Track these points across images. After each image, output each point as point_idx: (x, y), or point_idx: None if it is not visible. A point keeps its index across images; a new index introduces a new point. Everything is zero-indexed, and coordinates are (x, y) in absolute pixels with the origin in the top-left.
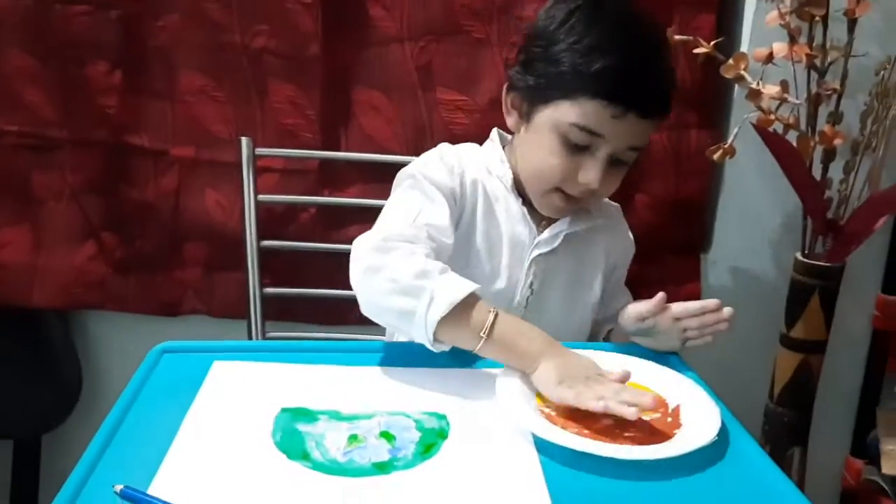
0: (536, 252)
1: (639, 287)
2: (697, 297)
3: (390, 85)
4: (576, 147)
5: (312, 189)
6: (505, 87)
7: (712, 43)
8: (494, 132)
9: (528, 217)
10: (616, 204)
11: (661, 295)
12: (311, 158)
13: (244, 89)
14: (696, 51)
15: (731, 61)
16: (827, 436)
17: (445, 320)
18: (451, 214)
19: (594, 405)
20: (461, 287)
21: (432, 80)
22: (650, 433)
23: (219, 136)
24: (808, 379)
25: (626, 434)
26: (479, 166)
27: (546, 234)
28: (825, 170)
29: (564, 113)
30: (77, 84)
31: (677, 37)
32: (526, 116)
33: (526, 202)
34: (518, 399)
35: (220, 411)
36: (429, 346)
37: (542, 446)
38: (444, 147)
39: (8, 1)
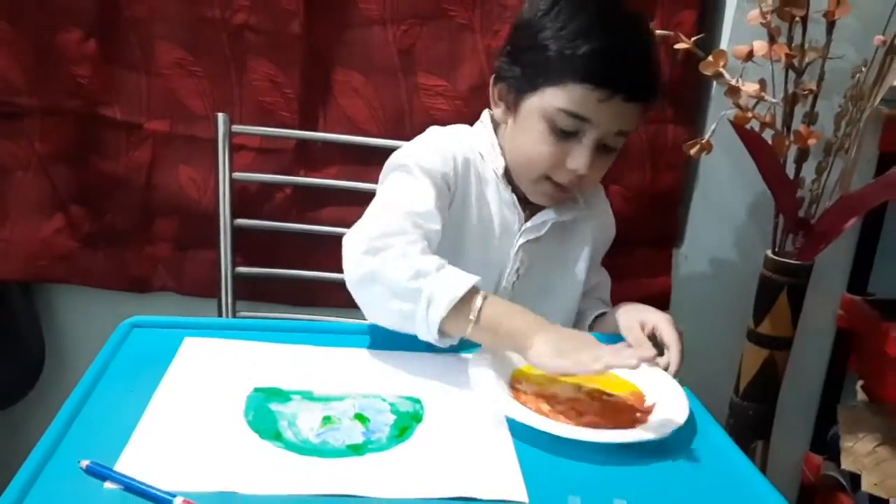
0: (524, 239)
1: (613, 279)
2: (668, 291)
3: (371, 67)
4: (564, 133)
5: (288, 168)
6: (492, 78)
7: (693, 39)
8: (485, 114)
9: (517, 204)
10: (600, 186)
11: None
12: (288, 137)
13: (223, 65)
14: (676, 46)
15: (710, 58)
16: (788, 431)
17: (446, 316)
18: (439, 198)
19: (594, 367)
20: (459, 284)
21: (414, 64)
22: (618, 414)
23: (195, 112)
24: (773, 375)
25: (593, 416)
26: (472, 149)
27: (533, 221)
28: (798, 169)
29: (551, 99)
30: (49, 51)
31: (658, 31)
32: (514, 107)
33: (515, 189)
34: (491, 382)
35: (191, 388)
36: (435, 343)
37: (517, 430)
38: (434, 131)
39: None
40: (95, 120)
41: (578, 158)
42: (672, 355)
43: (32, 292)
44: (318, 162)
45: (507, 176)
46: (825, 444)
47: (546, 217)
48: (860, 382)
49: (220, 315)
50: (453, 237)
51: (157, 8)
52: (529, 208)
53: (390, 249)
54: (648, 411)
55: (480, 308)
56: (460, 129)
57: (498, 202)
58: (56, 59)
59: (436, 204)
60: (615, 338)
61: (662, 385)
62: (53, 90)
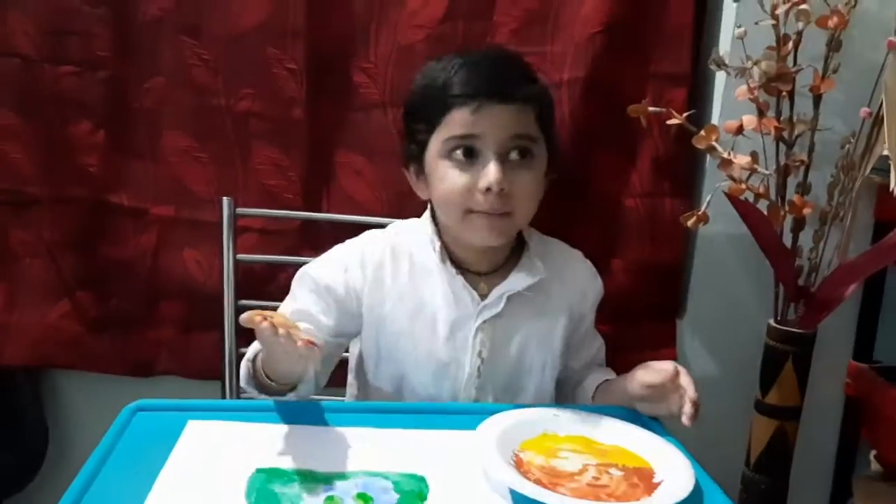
0: (481, 319)
1: (615, 352)
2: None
3: (372, 149)
4: (465, 161)
5: (293, 250)
6: (403, 167)
7: (684, 115)
8: (429, 205)
9: (468, 285)
10: (574, 251)
11: (671, 366)
12: (291, 219)
13: (227, 150)
14: (668, 122)
15: (702, 132)
16: None
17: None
18: (318, 303)
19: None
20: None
21: None
22: (631, 494)
23: (200, 196)
24: (784, 446)
25: (608, 493)
26: (411, 243)
27: (489, 298)
28: (795, 238)
29: (438, 138)
30: (59, 142)
31: (650, 108)
32: (422, 171)
33: (468, 271)
34: (497, 458)
35: (194, 471)
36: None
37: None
38: (340, 246)
39: None
40: (103, 207)
41: (488, 174)
42: (688, 391)
43: (37, 378)
44: (322, 242)
45: (456, 259)
46: None
47: (503, 290)
48: (873, 452)
49: (223, 397)
50: (399, 334)
51: (165, 98)
52: (486, 287)
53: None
54: (655, 486)
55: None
56: (396, 226)
57: (445, 289)
58: (66, 149)
59: (300, 311)
60: (622, 410)
61: (672, 459)
62: (62, 179)
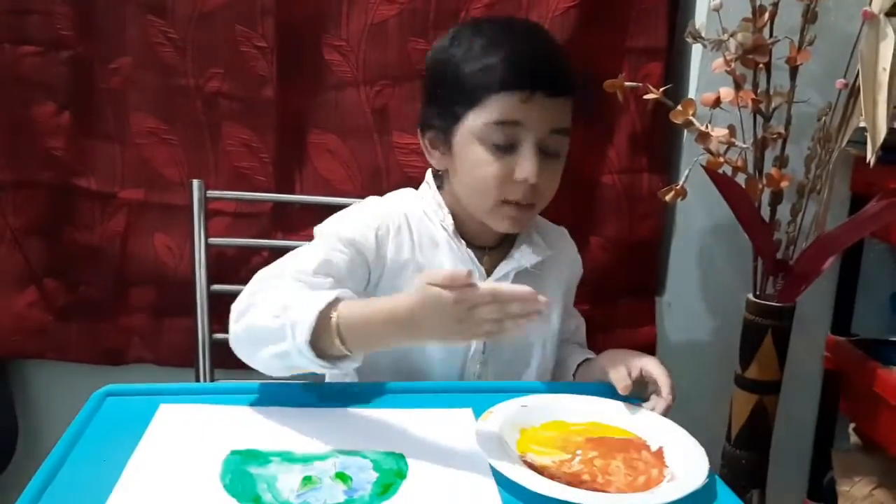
0: None
1: (596, 331)
2: (653, 340)
3: (346, 128)
4: (501, 148)
5: (265, 232)
6: (419, 132)
7: (661, 89)
8: (429, 174)
9: (476, 260)
10: (561, 228)
11: (626, 383)
12: (263, 201)
13: (197, 132)
14: (645, 97)
15: (679, 107)
16: (784, 478)
17: (320, 338)
18: (341, 260)
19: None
20: (315, 302)
21: (388, 123)
22: (637, 482)
23: (170, 179)
24: (765, 420)
25: (612, 482)
26: (416, 213)
27: (495, 275)
28: (773, 212)
29: (478, 119)
30: (23, 125)
31: (627, 83)
32: (446, 147)
33: (471, 244)
34: (498, 448)
35: (166, 454)
36: (329, 370)
37: (505, 487)
38: (362, 203)
39: None
40: (69, 191)
41: (525, 166)
42: (663, 391)
43: (5, 368)
44: (295, 224)
45: (461, 232)
46: (821, 489)
47: (509, 267)
48: (852, 425)
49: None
50: None
51: (131, 79)
52: (489, 261)
53: (259, 295)
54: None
55: (338, 314)
56: (401, 194)
57: (452, 262)
58: (30, 132)
59: (329, 262)
60: (603, 387)
61: (672, 436)
62: (27, 163)
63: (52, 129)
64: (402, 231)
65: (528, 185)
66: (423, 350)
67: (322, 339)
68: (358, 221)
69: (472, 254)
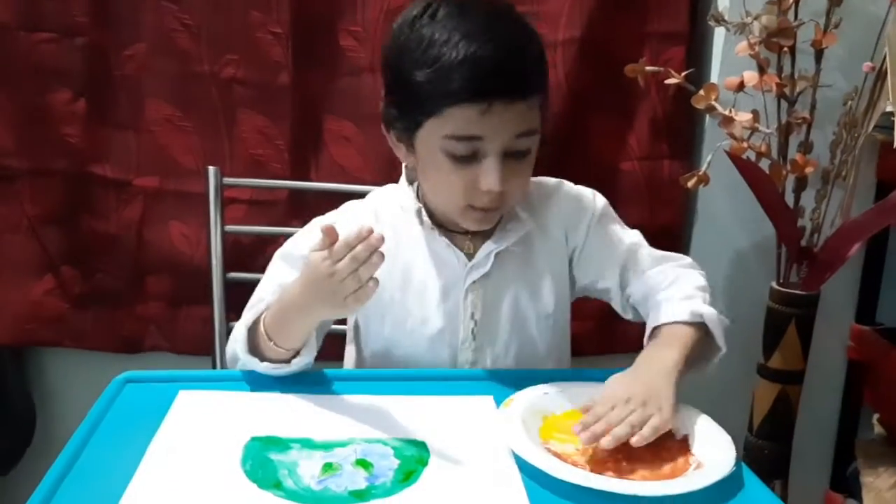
0: (470, 279)
1: (615, 320)
2: None
3: (362, 115)
4: (465, 158)
5: (281, 220)
6: (383, 127)
7: (683, 74)
8: (403, 167)
9: (454, 246)
10: (553, 185)
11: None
12: (279, 188)
13: (212, 119)
14: (667, 82)
15: (702, 91)
16: (806, 469)
17: (258, 346)
18: None
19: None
20: (243, 322)
21: None
22: (663, 470)
23: (185, 167)
24: (787, 410)
25: (636, 469)
26: (392, 209)
27: (476, 258)
28: (797, 198)
29: (436, 129)
30: (38, 112)
31: (648, 68)
32: (411, 147)
33: (449, 231)
34: (520, 435)
35: (186, 440)
36: (284, 369)
37: (528, 474)
38: (320, 218)
39: None
40: (85, 179)
41: (488, 177)
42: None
43: (23, 356)
44: (311, 212)
45: (441, 220)
46: (845, 480)
47: (489, 249)
48: (876, 415)
49: None
50: (391, 304)
51: (146, 65)
52: (473, 245)
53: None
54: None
55: (263, 319)
56: (379, 191)
57: (431, 253)
58: (45, 119)
59: (282, 287)
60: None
61: (699, 424)
62: (43, 151)
63: (67, 117)
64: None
65: (494, 193)
66: (409, 340)
67: (260, 347)
68: (307, 237)
69: (448, 241)
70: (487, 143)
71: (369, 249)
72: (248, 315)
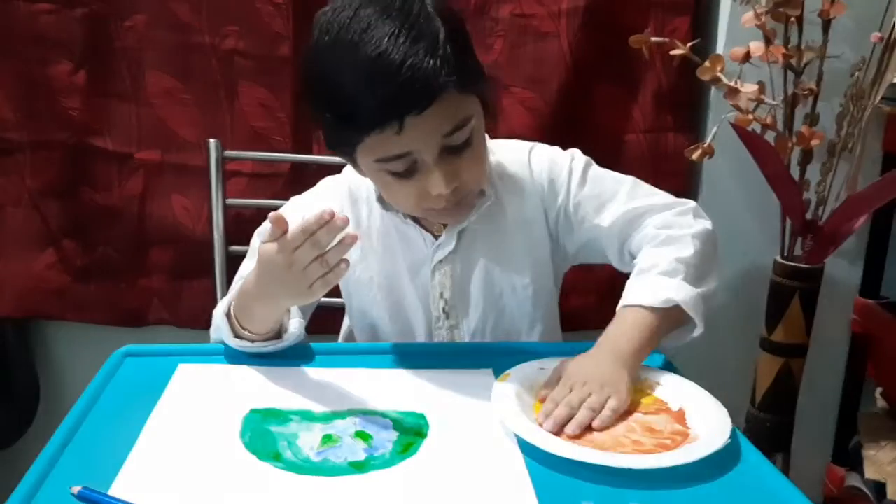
0: (437, 259)
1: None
2: None
3: None
4: (406, 172)
5: (283, 193)
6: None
7: (688, 45)
8: None
9: (421, 228)
10: (524, 149)
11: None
12: (281, 161)
13: (213, 91)
14: (672, 53)
15: (707, 63)
16: (808, 442)
17: (234, 329)
18: None
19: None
20: (220, 309)
21: None
22: (658, 443)
23: (186, 140)
24: (790, 383)
25: (634, 441)
26: (367, 207)
27: (442, 237)
28: (803, 171)
29: (367, 156)
30: (38, 84)
31: (653, 39)
32: (357, 167)
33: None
34: (514, 409)
35: (185, 413)
36: (264, 347)
37: (526, 446)
38: (297, 198)
39: None
40: (86, 151)
41: (434, 184)
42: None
43: (26, 329)
44: (312, 185)
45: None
46: (847, 454)
47: (452, 227)
48: (879, 389)
49: None
50: (369, 283)
51: (147, 37)
52: (436, 226)
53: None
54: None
55: (233, 305)
56: (345, 172)
57: (399, 234)
58: (46, 91)
59: None
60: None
61: (693, 396)
62: (43, 123)
63: (67, 89)
64: (342, 212)
65: (447, 194)
66: (387, 319)
67: (236, 329)
68: (286, 215)
69: (413, 222)
70: (419, 154)
71: (333, 232)
72: (226, 298)
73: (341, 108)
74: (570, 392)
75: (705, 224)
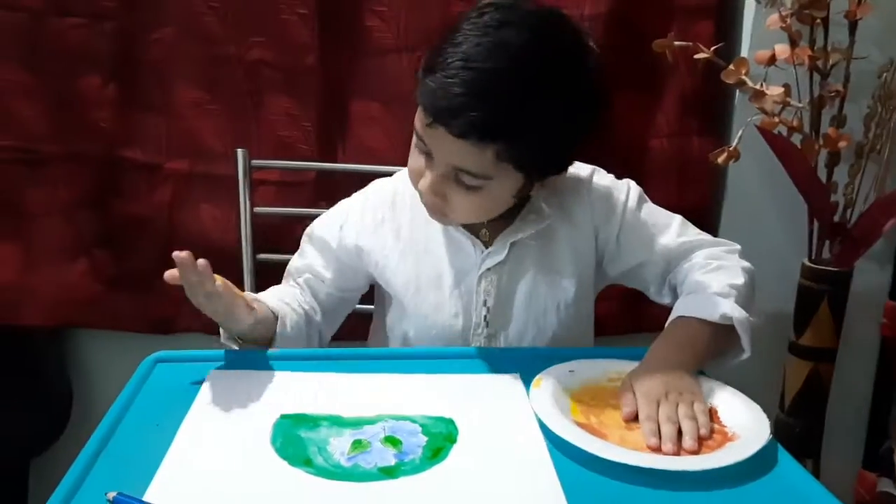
0: (485, 266)
1: (642, 301)
2: None
3: (388, 96)
4: (421, 152)
5: (309, 201)
6: None
7: (712, 49)
8: None
9: (468, 232)
10: (584, 176)
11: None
12: (307, 170)
13: (240, 101)
14: (696, 56)
15: (731, 66)
16: (838, 448)
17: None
18: (327, 259)
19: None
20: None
21: None
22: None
23: (214, 149)
24: (819, 388)
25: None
26: (413, 191)
27: (493, 246)
28: (830, 173)
29: (417, 115)
30: (70, 97)
31: (676, 43)
32: None
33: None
34: (553, 413)
35: (217, 418)
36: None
37: (558, 450)
38: (346, 200)
39: (2, 15)
40: (116, 163)
41: (424, 178)
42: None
43: (59, 338)
44: (338, 193)
45: None
46: (878, 459)
47: (507, 238)
48: None
49: None
50: (406, 286)
51: (174, 49)
52: (490, 234)
53: None
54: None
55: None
56: (396, 176)
57: (447, 238)
58: (77, 104)
59: (306, 264)
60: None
61: (724, 397)
62: (75, 135)
63: (98, 101)
64: (385, 221)
65: (428, 195)
66: (424, 324)
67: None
68: (331, 217)
69: (462, 228)
70: (432, 154)
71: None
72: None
73: (427, 69)
74: (659, 406)
75: (749, 265)
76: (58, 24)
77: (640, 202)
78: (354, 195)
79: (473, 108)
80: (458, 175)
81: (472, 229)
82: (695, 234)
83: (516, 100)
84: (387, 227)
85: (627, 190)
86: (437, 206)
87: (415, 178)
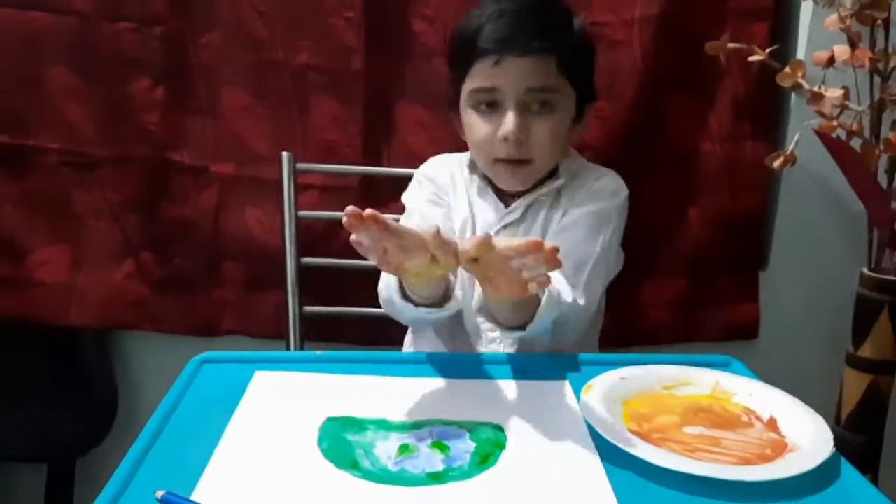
0: (500, 224)
1: (694, 308)
2: (756, 318)
3: (434, 100)
4: (486, 111)
5: (353, 205)
6: (451, 114)
7: (767, 51)
8: None
9: (498, 199)
10: (605, 171)
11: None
12: (352, 174)
13: (286, 105)
14: (750, 59)
15: (787, 69)
16: None
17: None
18: (439, 210)
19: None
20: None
21: None
22: (755, 453)
23: (260, 153)
24: (878, 402)
25: (725, 451)
26: (461, 167)
27: (511, 207)
28: (891, 179)
29: (466, 88)
30: (119, 101)
31: (730, 45)
32: (456, 113)
33: (497, 189)
34: (605, 421)
35: (264, 420)
36: (428, 314)
37: (609, 457)
38: (417, 171)
39: (53, 19)
40: (164, 165)
41: (505, 125)
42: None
43: (105, 339)
44: (383, 197)
45: (489, 179)
46: None
47: (524, 200)
48: None
49: None
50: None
51: (222, 53)
52: (511, 199)
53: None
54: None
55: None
56: (449, 155)
57: (471, 196)
58: (126, 108)
59: (441, 216)
60: (703, 358)
61: (784, 404)
62: (124, 138)
63: (147, 105)
64: (447, 186)
65: (511, 142)
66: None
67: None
68: (413, 190)
69: (491, 191)
70: (503, 94)
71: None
72: None
73: (469, 34)
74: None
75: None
76: (108, 28)
77: (603, 214)
78: (423, 165)
79: (531, 28)
80: (533, 98)
81: (504, 200)
82: (588, 279)
83: (558, 15)
84: (456, 187)
85: (612, 193)
86: (520, 152)
87: (488, 144)
